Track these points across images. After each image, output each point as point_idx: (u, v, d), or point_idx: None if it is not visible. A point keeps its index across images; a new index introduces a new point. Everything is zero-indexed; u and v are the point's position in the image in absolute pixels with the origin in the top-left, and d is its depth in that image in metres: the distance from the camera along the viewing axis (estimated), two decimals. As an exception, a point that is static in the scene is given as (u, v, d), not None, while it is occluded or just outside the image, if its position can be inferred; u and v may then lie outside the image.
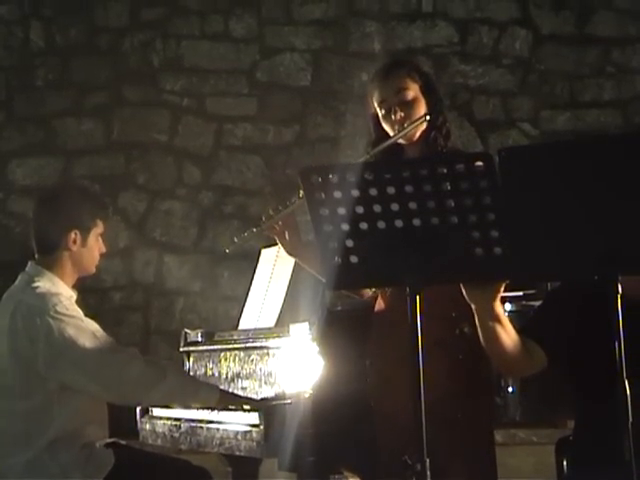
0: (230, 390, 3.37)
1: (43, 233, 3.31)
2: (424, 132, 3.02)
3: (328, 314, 3.23)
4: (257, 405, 3.17)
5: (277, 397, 3.14)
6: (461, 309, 2.61)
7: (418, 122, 2.98)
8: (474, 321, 2.54)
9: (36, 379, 3.13)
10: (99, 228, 3.34)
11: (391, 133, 3.02)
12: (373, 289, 3.12)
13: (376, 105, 3.05)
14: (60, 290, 3.23)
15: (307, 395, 3.05)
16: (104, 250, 3.37)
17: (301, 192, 3.00)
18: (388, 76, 3.05)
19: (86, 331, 3.14)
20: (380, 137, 3.05)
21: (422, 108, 3.01)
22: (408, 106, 3.00)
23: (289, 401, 3.07)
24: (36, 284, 3.22)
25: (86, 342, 3.12)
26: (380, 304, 3.07)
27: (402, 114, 2.99)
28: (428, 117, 2.99)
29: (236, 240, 3.21)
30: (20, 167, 6.29)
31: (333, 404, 3.05)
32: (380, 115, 3.05)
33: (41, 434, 3.13)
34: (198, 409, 3.38)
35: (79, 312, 3.20)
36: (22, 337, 3.13)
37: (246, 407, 3.22)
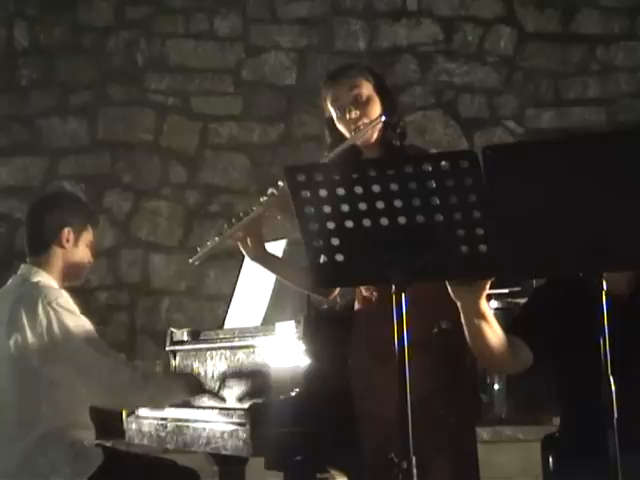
0: (216, 389, 3.39)
1: (37, 230, 3.35)
2: (380, 133, 2.98)
3: (314, 313, 3.23)
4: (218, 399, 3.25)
5: (260, 396, 3.14)
6: (439, 307, 2.61)
7: (374, 123, 2.94)
8: (452, 317, 2.55)
9: (29, 372, 3.15)
10: (89, 234, 3.38)
11: (346, 134, 2.98)
12: (337, 290, 3.13)
13: (330, 106, 3.01)
14: (58, 286, 3.27)
15: (293, 394, 3.05)
16: (92, 260, 3.39)
17: (262, 198, 3.01)
18: (340, 76, 3.01)
19: (83, 329, 3.19)
20: (336, 140, 3.01)
21: (377, 107, 2.98)
22: (362, 105, 2.96)
23: (270, 401, 3.08)
24: (36, 279, 3.26)
25: (82, 339, 3.17)
26: (357, 304, 3.07)
27: (357, 112, 2.95)
28: (384, 118, 2.95)
29: (199, 250, 3.20)
30: (4, 167, 6.27)
31: (320, 402, 3.06)
32: (335, 116, 3.00)
33: (31, 428, 3.15)
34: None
35: (77, 309, 3.24)
36: (22, 327, 3.15)
37: (233, 406, 3.23)
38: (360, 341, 3.02)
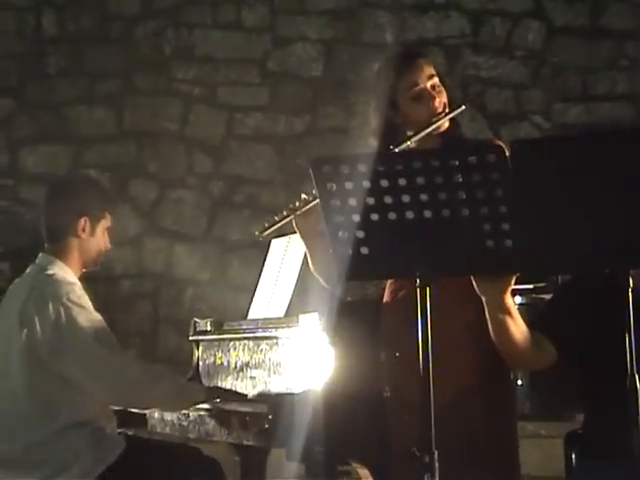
0: (238, 380, 3.39)
1: (53, 220, 3.33)
2: (450, 123, 2.96)
3: (340, 305, 3.22)
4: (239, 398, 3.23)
5: (283, 387, 3.15)
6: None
7: (458, 111, 2.93)
8: None
9: (38, 363, 3.14)
10: (107, 221, 3.36)
11: (420, 118, 2.93)
12: None
13: (403, 90, 2.95)
14: (73, 279, 3.26)
15: (317, 386, 3.05)
16: (109, 246, 3.39)
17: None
18: (417, 62, 2.97)
19: (93, 324, 3.17)
20: (395, 125, 2.99)
21: (445, 96, 2.97)
22: (440, 93, 2.95)
23: (293, 392, 3.08)
24: (50, 271, 3.25)
25: (91, 335, 3.15)
26: (391, 295, 3.04)
27: (439, 100, 2.94)
28: (463, 107, 2.95)
29: (266, 224, 3.14)
30: (31, 155, 6.30)
31: (344, 395, 3.05)
32: (407, 99, 2.95)
33: (50, 419, 3.14)
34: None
35: (90, 304, 3.23)
36: (32, 321, 3.15)
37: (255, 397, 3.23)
38: (401, 332, 2.95)
